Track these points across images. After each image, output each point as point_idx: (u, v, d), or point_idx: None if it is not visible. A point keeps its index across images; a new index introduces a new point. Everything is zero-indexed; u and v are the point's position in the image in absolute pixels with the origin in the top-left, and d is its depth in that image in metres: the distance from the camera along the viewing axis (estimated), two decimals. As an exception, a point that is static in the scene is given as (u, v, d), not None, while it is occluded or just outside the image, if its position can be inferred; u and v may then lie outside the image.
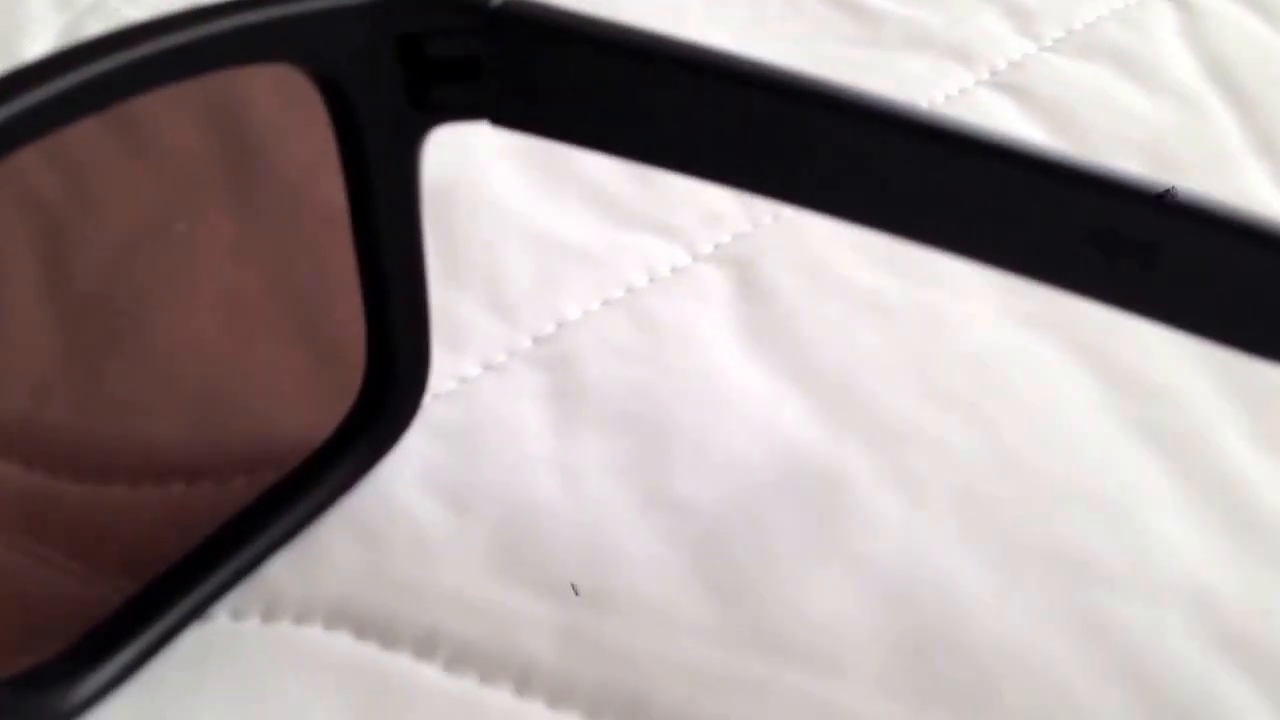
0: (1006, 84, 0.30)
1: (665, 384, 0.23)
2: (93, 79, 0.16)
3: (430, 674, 0.19)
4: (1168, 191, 0.16)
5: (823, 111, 0.17)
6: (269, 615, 0.20)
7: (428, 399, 0.22)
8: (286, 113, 0.19)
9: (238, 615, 0.20)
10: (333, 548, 0.21)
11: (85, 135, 0.17)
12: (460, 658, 0.19)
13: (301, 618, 0.20)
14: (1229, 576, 0.21)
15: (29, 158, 0.16)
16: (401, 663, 0.19)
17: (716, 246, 0.26)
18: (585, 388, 0.23)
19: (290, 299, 0.21)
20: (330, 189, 0.20)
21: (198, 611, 0.20)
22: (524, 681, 0.19)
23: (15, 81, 0.15)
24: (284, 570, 0.20)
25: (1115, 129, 0.29)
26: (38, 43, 0.31)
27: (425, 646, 0.19)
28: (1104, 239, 0.16)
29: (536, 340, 0.24)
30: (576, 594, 0.20)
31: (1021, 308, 0.24)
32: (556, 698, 0.19)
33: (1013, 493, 0.22)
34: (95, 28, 0.31)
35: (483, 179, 0.27)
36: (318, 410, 0.21)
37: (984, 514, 0.21)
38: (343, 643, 0.19)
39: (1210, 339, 0.17)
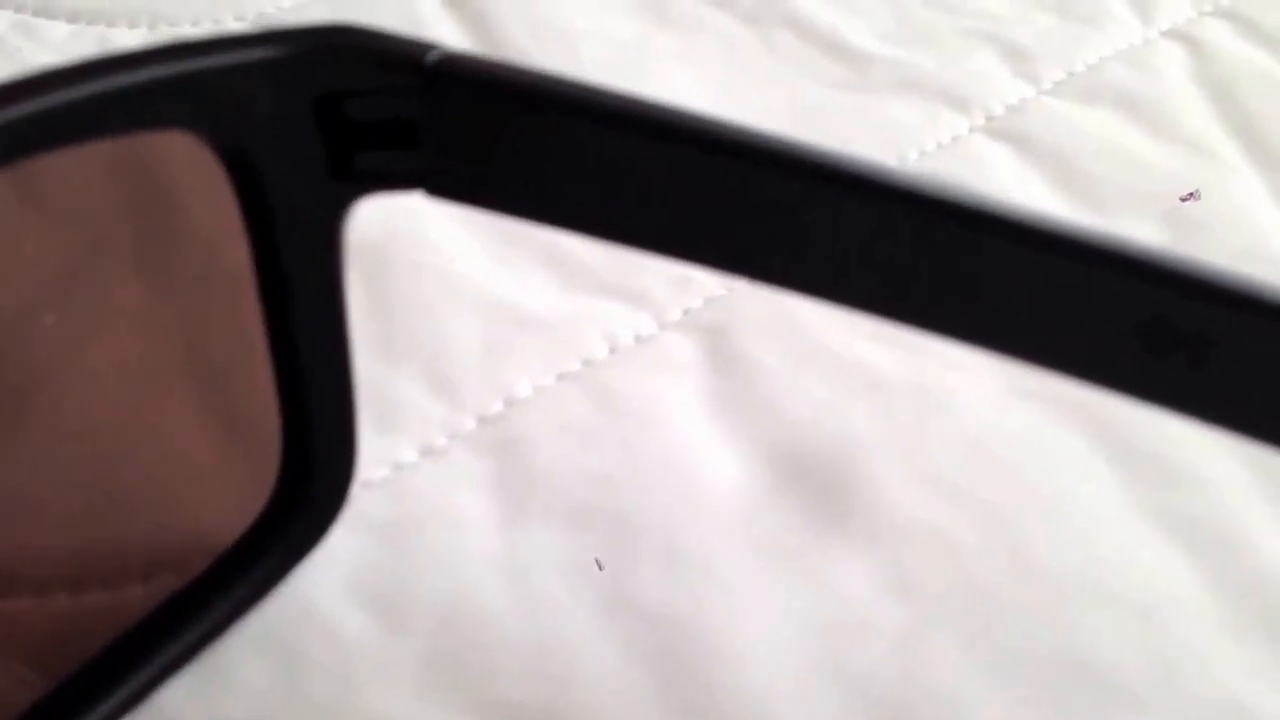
0: (1004, 131, 0.27)
1: (626, 471, 0.21)
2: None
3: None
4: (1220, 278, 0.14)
5: (814, 182, 0.14)
6: (162, 752, 0.17)
7: (356, 489, 0.20)
8: (196, 172, 0.16)
9: (125, 752, 0.17)
10: (242, 668, 0.18)
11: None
12: (384, 803, 0.17)
13: (201, 755, 0.17)
14: (1265, 689, 0.18)
15: None
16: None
17: (686, 312, 0.23)
18: (535, 476, 0.20)
19: (198, 380, 0.18)
20: (243, 258, 0.17)
21: (77, 750, 0.17)
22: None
23: None
24: (183, 696, 0.18)
25: (1124, 181, 0.26)
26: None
27: (344, 788, 0.17)
28: (1149, 331, 0.14)
29: (482, 421, 0.21)
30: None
31: (1028, 383, 0.22)
32: None
33: (1021, 595, 0.19)
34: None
35: (425, 234, 0.24)
36: (228, 506, 0.19)
37: (989, 619, 0.19)
38: (248, 784, 0.17)
39: (1264, 441, 0.14)
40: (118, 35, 0.29)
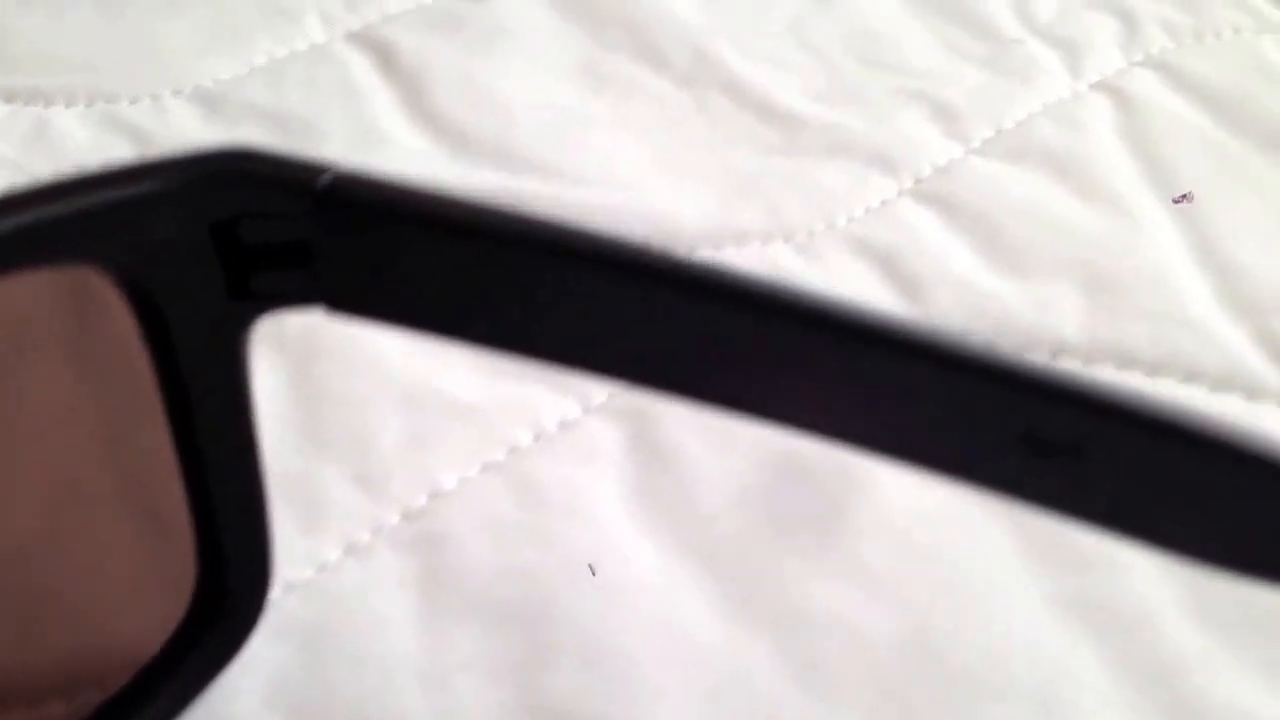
0: (931, 194, 0.28)
1: (548, 567, 0.21)
2: None
3: None
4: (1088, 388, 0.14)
5: (708, 299, 0.15)
6: None
7: (279, 592, 0.20)
8: (99, 300, 0.17)
9: None
10: (162, 782, 0.18)
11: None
12: None
13: None
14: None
15: None
16: None
17: (611, 395, 0.24)
18: (459, 573, 0.21)
19: (113, 496, 0.19)
20: (149, 378, 0.17)
21: None
22: None
23: None
24: (104, 813, 0.18)
25: (1048, 244, 0.26)
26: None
27: None
28: (1030, 441, 0.14)
29: (406, 515, 0.22)
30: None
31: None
32: None
33: (931, 686, 0.19)
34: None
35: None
36: (148, 619, 0.19)
37: (900, 711, 0.19)
38: None
39: (1148, 544, 0.14)
40: (55, 115, 0.29)
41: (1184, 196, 0.26)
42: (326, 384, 0.24)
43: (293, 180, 0.16)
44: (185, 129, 0.29)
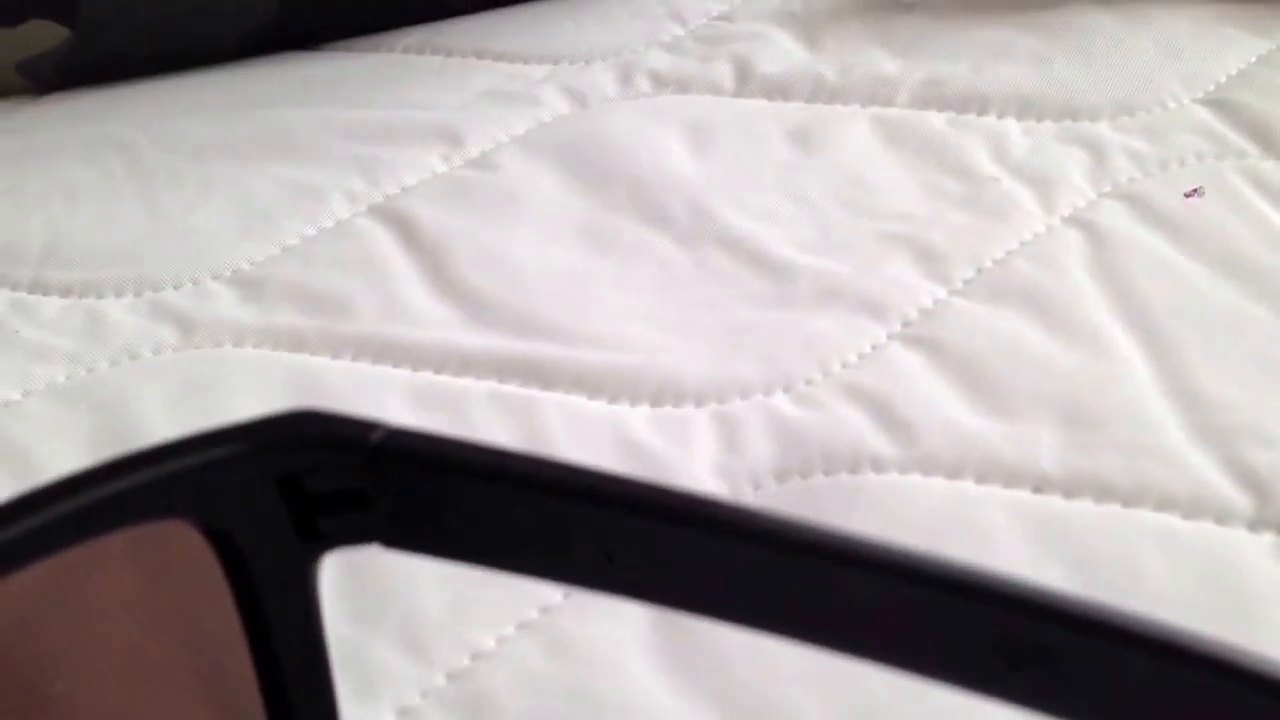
0: (918, 337, 0.30)
1: (581, 716, 0.23)
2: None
3: None
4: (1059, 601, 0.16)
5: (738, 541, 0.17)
6: None
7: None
8: (189, 549, 0.19)
9: None
10: None
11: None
12: None
13: None
14: None
15: None
16: None
17: (632, 551, 0.26)
18: (502, 726, 0.23)
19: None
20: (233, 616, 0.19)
21: None
22: None
23: None
24: None
25: (1028, 382, 0.29)
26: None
27: None
28: (1007, 647, 0.16)
29: (450, 677, 0.24)
30: None
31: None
32: None
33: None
34: None
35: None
36: None
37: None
38: None
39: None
40: (107, 306, 0.32)
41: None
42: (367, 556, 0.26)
43: (349, 438, 0.18)
44: (225, 311, 0.32)
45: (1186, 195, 0.28)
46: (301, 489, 0.18)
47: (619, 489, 0.17)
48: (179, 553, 0.19)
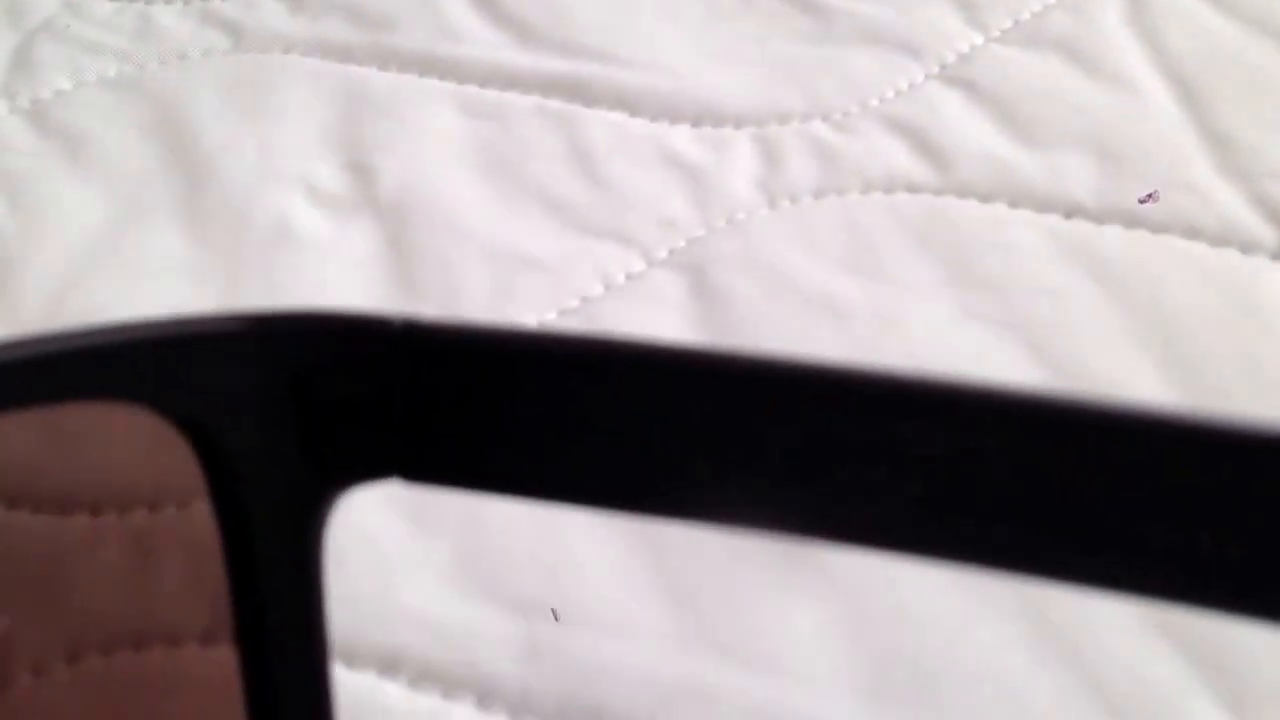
0: (955, 78, 0.31)
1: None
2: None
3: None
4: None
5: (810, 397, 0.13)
6: None
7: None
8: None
9: None
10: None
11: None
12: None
13: None
14: None
15: None
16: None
17: (671, 252, 0.26)
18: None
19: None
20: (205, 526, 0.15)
21: None
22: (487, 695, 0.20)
23: None
24: None
25: (1062, 120, 0.29)
26: None
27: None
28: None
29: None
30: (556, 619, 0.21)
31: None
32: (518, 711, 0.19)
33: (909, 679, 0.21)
34: (48, 48, 0.32)
35: (438, 190, 0.28)
36: None
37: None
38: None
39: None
40: (157, 10, 0.32)
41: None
42: (414, 239, 0.27)
43: (367, 326, 0.14)
44: (273, 21, 0.32)
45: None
46: (312, 398, 0.14)
47: (713, 360, 0.13)
48: (158, 445, 0.15)
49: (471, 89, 0.30)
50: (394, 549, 0.21)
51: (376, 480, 0.15)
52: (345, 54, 0.31)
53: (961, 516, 0.13)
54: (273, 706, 0.16)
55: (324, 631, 0.15)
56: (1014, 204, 0.27)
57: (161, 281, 0.26)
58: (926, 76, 0.31)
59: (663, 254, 0.26)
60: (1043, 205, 0.27)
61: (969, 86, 0.30)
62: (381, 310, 0.15)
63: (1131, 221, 0.27)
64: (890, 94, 0.30)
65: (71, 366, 0.14)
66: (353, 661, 0.20)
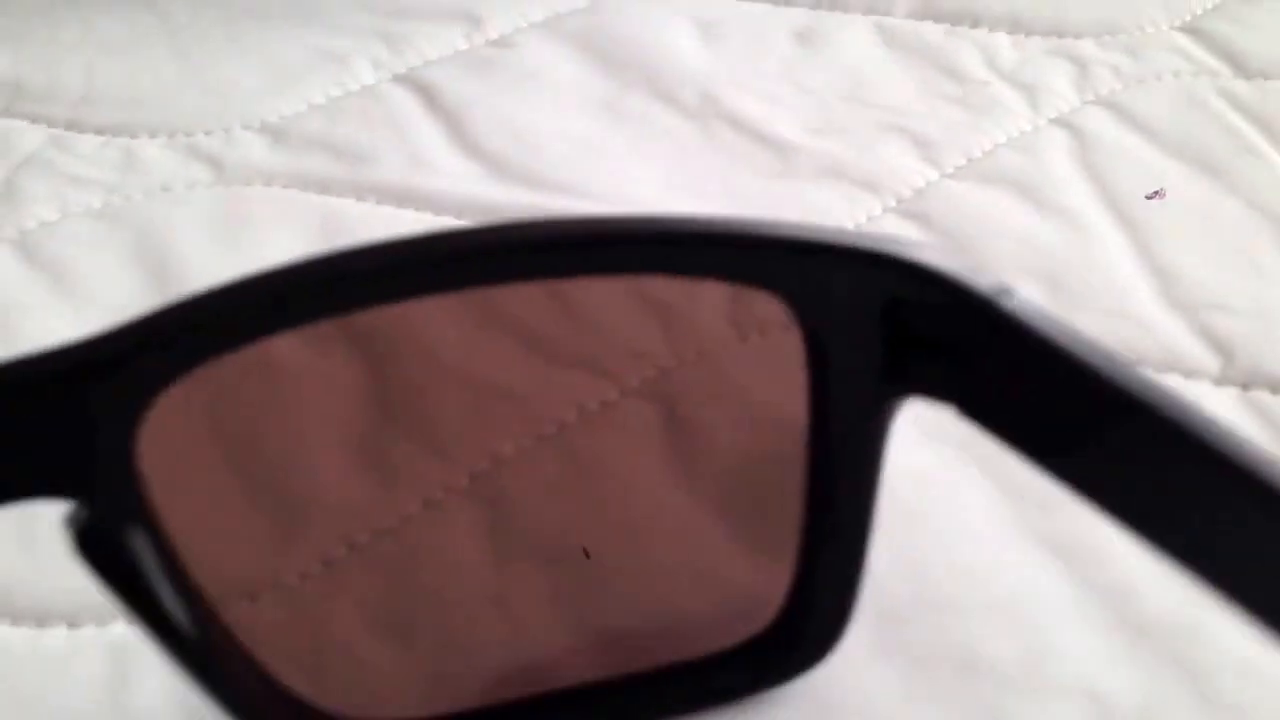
0: (911, 211, 0.32)
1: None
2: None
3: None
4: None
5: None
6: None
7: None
8: (772, 331, 0.19)
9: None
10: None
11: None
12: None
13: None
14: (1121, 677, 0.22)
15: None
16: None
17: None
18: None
19: (733, 511, 0.21)
20: (795, 415, 0.19)
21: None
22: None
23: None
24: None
25: (1011, 253, 0.31)
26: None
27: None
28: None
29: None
30: None
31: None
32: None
33: (922, 606, 0.23)
34: (35, 181, 0.33)
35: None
36: (724, 621, 0.21)
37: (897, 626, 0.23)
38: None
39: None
40: (141, 145, 0.33)
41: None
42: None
43: (973, 290, 0.17)
44: (254, 155, 0.33)
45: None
46: (903, 321, 0.18)
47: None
48: (765, 333, 0.19)
49: (447, 220, 0.32)
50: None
51: (935, 400, 0.18)
52: (324, 186, 0.33)
53: None
54: (817, 553, 0.20)
55: (875, 487, 0.19)
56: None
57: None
58: (884, 209, 0.32)
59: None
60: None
61: (924, 219, 0.32)
62: (974, 278, 0.17)
63: (1080, 349, 0.28)
64: (849, 225, 0.32)
65: (728, 253, 0.17)
66: None
